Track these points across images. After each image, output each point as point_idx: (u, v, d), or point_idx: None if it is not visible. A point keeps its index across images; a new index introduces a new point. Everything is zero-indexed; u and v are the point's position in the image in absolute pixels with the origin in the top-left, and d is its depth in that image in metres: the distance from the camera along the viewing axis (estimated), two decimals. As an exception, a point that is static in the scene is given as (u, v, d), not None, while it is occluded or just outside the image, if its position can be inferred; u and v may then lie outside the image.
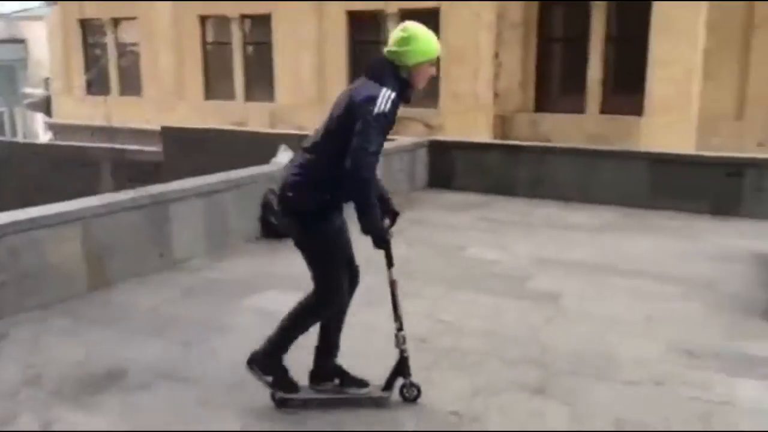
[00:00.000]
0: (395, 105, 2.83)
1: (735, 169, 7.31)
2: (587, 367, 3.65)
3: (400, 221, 3.25)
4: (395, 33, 2.96)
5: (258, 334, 3.23)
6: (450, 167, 8.86)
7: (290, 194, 2.93)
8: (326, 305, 3.06)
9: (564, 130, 12.33)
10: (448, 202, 8.12)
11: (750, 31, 11.01)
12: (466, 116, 11.36)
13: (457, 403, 3.25)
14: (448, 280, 5.17)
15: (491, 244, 6.24)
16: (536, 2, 12.35)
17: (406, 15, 13.44)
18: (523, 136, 12.41)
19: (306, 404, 3.17)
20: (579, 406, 3.21)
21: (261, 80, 14.94)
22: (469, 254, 5.93)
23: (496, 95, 12.40)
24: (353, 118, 2.79)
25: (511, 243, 6.26)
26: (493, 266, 5.53)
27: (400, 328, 3.12)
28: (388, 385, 3.17)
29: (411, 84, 2.96)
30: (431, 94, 12.41)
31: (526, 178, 8.34)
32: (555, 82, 13.32)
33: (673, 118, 10.74)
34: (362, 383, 3.21)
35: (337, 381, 3.21)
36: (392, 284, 3.14)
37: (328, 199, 2.93)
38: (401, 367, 3.15)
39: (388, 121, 2.83)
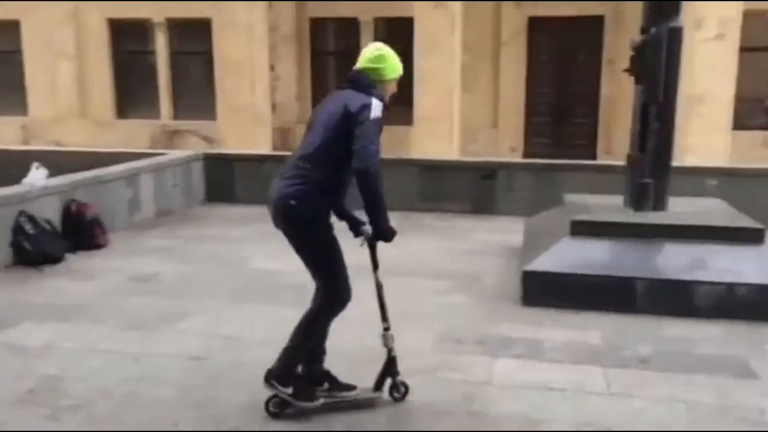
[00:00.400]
0: (383, 113, 3.03)
1: (489, 172, 8.12)
2: (367, 366, 3.75)
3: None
4: (369, 51, 3.22)
5: (8, 373, 2.88)
6: (229, 180, 8.71)
7: (293, 202, 3.01)
8: (338, 305, 3.15)
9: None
10: (229, 216, 7.96)
11: (498, 48, 12.34)
12: (245, 129, 11.24)
13: (239, 416, 3.18)
14: (230, 295, 5.06)
15: (275, 255, 6.17)
16: (308, 16, 12.64)
17: (175, 25, 12.99)
18: (303, 148, 12.59)
19: (302, 411, 3.16)
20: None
21: (10, 92, 13.37)
22: (252, 266, 5.85)
23: (274, 107, 12.44)
24: (351, 125, 2.96)
25: (294, 253, 6.29)
26: (277, 277, 5.52)
27: (387, 328, 3.25)
28: (378, 386, 3.28)
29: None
30: (209, 107, 12.11)
31: (306, 188, 8.46)
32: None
33: (438, 127, 11.61)
34: (350, 387, 3.31)
35: (326, 385, 3.28)
36: (379, 286, 3.25)
37: (328, 203, 3.12)
38: (390, 367, 3.28)
39: (381, 127, 3.02)
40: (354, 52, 13.49)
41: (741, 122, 10.79)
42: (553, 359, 3.86)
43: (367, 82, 3.14)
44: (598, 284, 4.74)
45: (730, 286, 4.57)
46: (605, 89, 12.16)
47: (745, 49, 10.24)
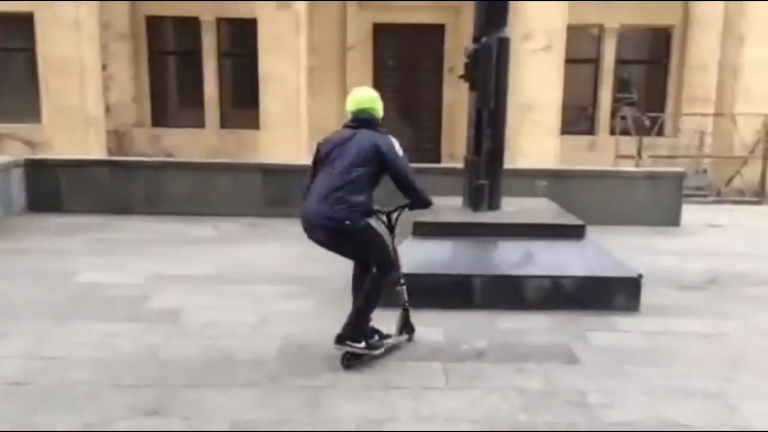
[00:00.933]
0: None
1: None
2: (206, 377, 3.63)
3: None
4: (362, 93, 3.93)
5: None
6: (55, 188, 8.01)
7: (348, 223, 3.68)
8: (393, 271, 3.95)
9: (186, 144, 12.26)
10: (54, 227, 7.33)
11: (345, 52, 12.47)
12: (75, 132, 10.43)
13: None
14: (53, 312, 4.64)
15: (106, 267, 5.81)
16: (143, 15, 12.05)
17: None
18: (144, 152, 11.96)
19: (366, 358, 3.83)
20: (195, 417, 3.17)
21: None
22: (79, 280, 5.42)
23: (108, 109, 11.68)
24: (383, 161, 3.71)
25: (129, 264, 5.92)
26: (107, 290, 5.15)
27: (403, 284, 4.07)
28: (400, 331, 4.12)
29: None
30: (33, 108, 11.13)
31: (143, 195, 8.02)
32: (172, 96, 13.15)
33: (287, 131, 11.50)
34: (389, 335, 4.04)
35: (376, 337, 3.95)
36: (394, 250, 4.00)
37: (369, 215, 3.85)
38: (406, 315, 4.12)
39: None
40: (196, 52, 13.08)
41: (567, 128, 11.74)
42: (397, 358, 3.93)
43: (376, 121, 3.87)
44: (439, 283, 4.88)
45: (556, 279, 4.90)
46: (447, 95, 12.72)
47: (569, 61, 11.15)
